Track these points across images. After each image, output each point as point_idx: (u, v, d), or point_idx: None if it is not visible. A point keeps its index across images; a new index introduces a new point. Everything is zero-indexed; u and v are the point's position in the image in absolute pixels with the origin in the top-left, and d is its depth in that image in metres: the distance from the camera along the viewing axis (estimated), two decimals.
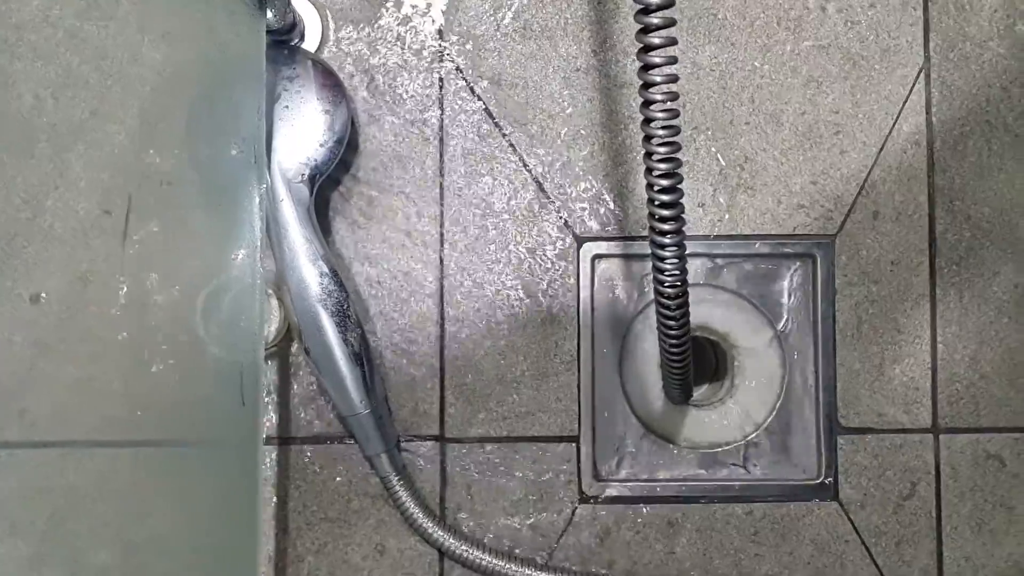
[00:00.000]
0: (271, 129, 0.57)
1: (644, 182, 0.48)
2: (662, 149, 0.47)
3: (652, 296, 0.53)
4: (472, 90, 0.63)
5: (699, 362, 0.69)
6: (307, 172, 0.57)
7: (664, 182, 0.47)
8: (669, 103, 0.46)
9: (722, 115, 0.63)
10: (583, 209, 0.63)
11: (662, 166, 0.47)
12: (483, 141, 0.63)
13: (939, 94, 0.63)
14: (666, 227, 0.49)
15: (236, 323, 0.54)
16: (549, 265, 0.62)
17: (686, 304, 0.52)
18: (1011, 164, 0.63)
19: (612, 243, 0.63)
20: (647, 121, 0.47)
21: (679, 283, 0.51)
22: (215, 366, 0.53)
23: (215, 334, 0.52)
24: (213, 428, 0.52)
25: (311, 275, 0.56)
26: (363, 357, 0.58)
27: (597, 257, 0.63)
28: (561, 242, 0.63)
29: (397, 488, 0.59)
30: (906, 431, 0.63)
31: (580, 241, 0.63)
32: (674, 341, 0.54)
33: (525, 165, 0.63)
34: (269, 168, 0.56)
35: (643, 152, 0.48)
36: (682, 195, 0.48)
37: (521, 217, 0.62)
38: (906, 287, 0.63)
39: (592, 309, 0.63)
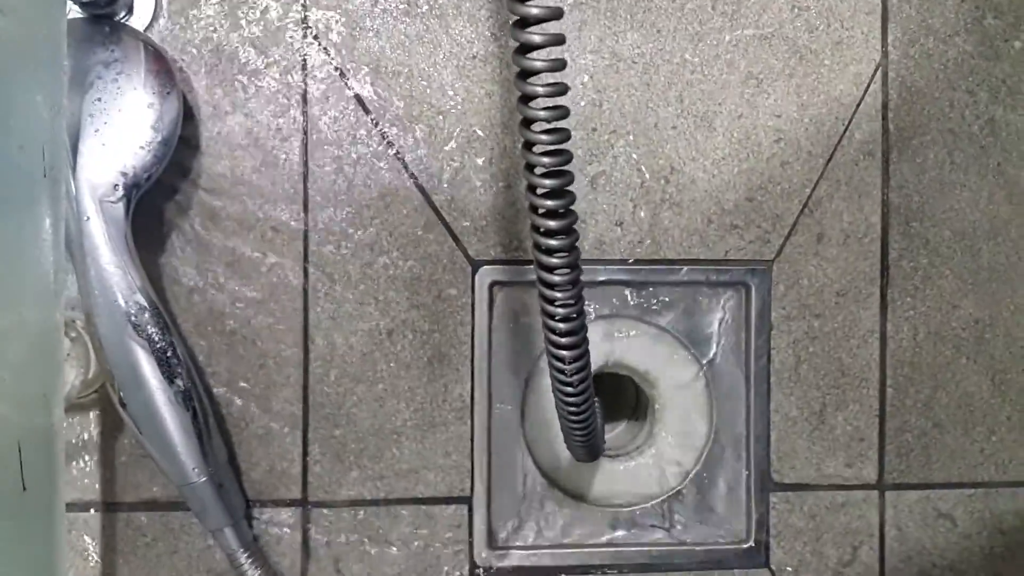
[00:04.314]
0: (78, 129, 0.45)
1: None
2: (546, 159, 0.37)
3: None
4: (343, 78, 0.51)
5: (616, 397, 0.60)
6: (123, 184, 0.45)
7: (549, 203, 0.38)
8: (553, 99, 0.37)
9: (645, 117, 0.53)
10: (479, 227, 0.52)
11: (547, 182, 0.38)
12: (357, 142, 0.51)
13: (897, 96, 0.54)
14: (554, 260, 0.39)
15: (28, 375, 0.42)
16: (438, 293, 0.52)
17: (584, 351, 0.42)
18: (975, 180, 0.55)
19: (514, 268, 0.52)
20: (526, 123, 0.37)
21: (574, 327, 0.41)
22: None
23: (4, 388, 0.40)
24: None
25: (124, 312, 0.44)
26: (197, 411, 0.47)
27: (496, 284, 0.53)
28: (453, 266, 0.52)
29: (246, 566, 0.49)
30: (848, 487, 0.54)
31: (476, 265, 0.52)
32: (570, 391, 0.44)
33: (409, 173, 0.52)
34: (74, 178, 0.44)
35: (523, 163, 0.38)
36: (574, 218, 0.39)
37: (405, 236, 0.52)
38: (853, 322, 0.54)
39: (489, 346, 0.53)
